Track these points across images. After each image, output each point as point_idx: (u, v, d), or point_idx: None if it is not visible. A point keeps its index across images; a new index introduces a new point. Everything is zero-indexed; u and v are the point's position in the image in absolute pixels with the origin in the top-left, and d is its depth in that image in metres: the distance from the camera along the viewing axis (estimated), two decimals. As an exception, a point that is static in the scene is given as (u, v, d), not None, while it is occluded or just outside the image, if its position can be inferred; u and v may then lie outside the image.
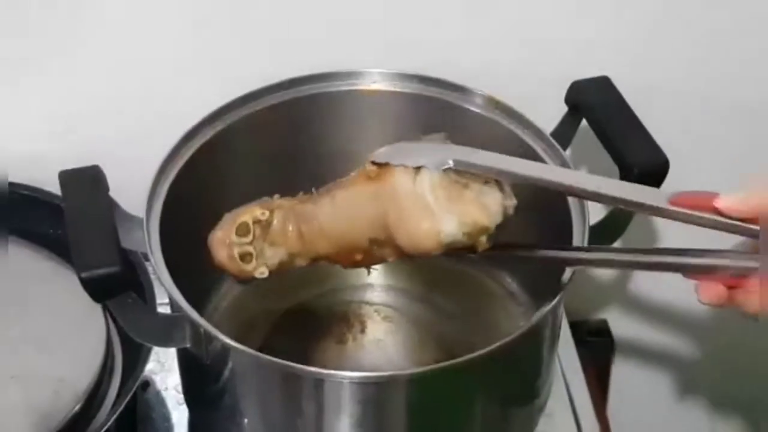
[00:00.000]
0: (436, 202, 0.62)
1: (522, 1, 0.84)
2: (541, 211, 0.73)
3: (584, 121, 0.77)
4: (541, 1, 0.84)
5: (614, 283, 1.03)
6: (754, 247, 0.59)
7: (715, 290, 0.59)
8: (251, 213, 0.66)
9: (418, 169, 0.63)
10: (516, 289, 0.86)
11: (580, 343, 0.93)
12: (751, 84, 0.90)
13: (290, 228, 0.67)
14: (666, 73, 0.89)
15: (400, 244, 0.64)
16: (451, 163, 0.62)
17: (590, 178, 0.62)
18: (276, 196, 0.68)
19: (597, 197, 0.60)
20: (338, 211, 0.66)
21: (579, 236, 0.68)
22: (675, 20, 0.86)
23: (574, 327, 0.93)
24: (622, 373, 1.04)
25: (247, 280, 0.66)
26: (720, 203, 0.57)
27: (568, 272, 0.66)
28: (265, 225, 0.66)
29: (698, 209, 0.58)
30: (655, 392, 1.10)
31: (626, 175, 0.71)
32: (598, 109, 0.75)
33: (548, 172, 0.66)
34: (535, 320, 0.64)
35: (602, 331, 1.01)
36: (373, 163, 0.64)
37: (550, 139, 0.75)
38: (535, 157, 0.75)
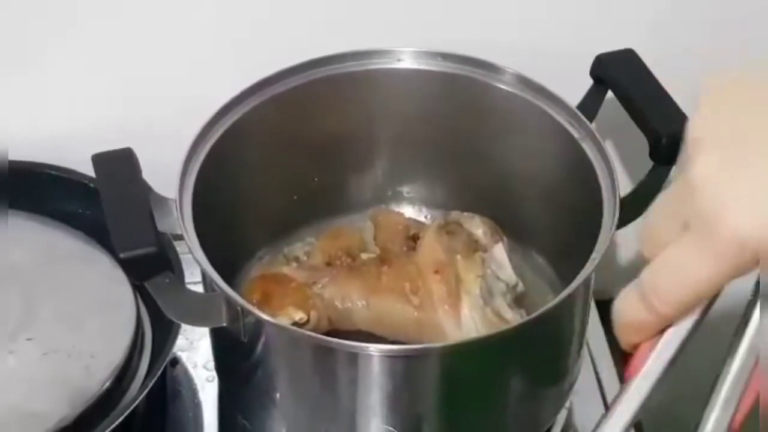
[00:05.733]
0: None
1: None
2: (573, 187, 0.76)
3: (610, 93, 0.79)
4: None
5: (641, 262, 1.04)
6: None
7: None
8: (289, 316, 0.75)
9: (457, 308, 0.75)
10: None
11: (607, 321, 0.95)
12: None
13: (323, 323, 0.77)
14: (691, 42, 0.89)
15: None
16: None
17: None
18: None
19: None
20: (374, 317, 0.77)
21: (610, 209, 0.70)
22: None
23: (601, 306, 0.94)
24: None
25: None
26: None
27: (600, 240, 0.67)
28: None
29: None
30: (681, 371, 1.12)
31: (655, 144, 0.73)
32: (623, 81, 0.78)
33: None
34: (568, 292, 0.66)
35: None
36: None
37: (577, 112, 0.76)
38: (561, 130, 0.77)
